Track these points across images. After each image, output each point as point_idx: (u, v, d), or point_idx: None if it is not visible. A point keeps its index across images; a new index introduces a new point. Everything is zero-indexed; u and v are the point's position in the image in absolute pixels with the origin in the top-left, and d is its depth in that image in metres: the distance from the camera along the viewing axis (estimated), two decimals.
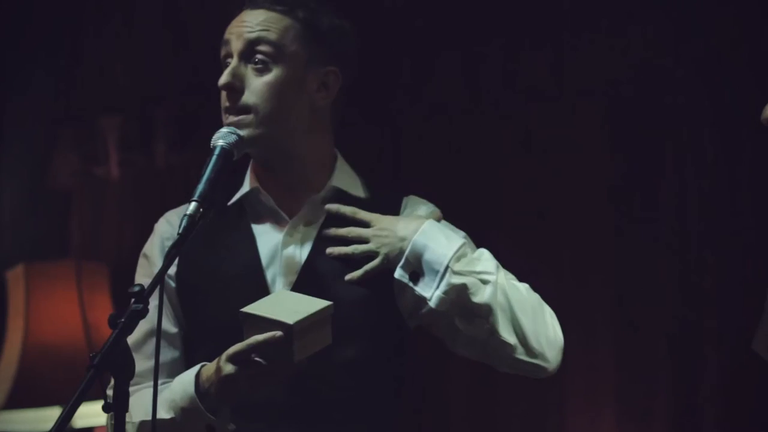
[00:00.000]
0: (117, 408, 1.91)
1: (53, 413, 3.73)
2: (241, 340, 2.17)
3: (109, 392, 1.99)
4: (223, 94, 2.32)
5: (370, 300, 2.35)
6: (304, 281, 2.35)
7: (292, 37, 2.34)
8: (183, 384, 2.21)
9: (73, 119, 4.27)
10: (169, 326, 2.35)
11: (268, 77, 2.32)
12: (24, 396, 3.85)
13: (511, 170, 3.80)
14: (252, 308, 2.18)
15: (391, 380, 2.39)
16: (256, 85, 2.31)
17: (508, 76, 3.80)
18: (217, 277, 2.32)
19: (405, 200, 2.49)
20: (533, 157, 3.79)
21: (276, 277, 2.36)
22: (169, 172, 4.06)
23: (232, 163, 2.24)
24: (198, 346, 2.32)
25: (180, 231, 2.07)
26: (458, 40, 3.82)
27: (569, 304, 3.70)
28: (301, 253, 2.36)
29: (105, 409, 1.92)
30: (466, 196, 3.82)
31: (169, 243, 2.34)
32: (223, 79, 2.31)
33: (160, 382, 2.22)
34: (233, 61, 2.32)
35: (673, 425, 3.54)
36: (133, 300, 1.95)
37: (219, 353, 2.20)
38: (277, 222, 2.38)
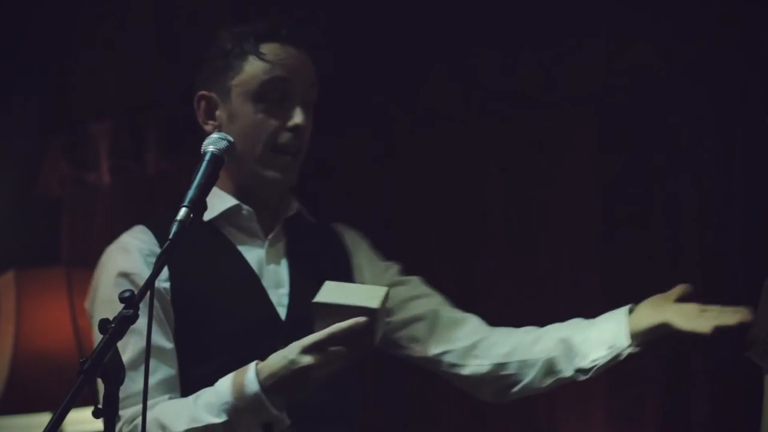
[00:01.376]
0: (107, 414, 1.91)
1: (44, 419, 3.73)
2: (254, 351, 2.21)
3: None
4: (286, 134, 2.38)
5: None
6: (296, 294, 2.41)
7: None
8: (238, 384, 2.23)
9: (64, 126, 4.27)
10: (164, 342, 2.37)
11: (309, 120, 2.49)
12: (15, 402, 3.84)
13: (504, 177, 3.81)
14: (324, 298, 2.21)
15: (356, 384, 2.50)
16: (305, 129, 2.45)
17: (502, 82, 3.80)
18: (217, 292, 2.34)
19: (337, 227, 2.65)
20: (527, 164, 3.79)
21: (267, 290, 2.42)
22: (160, 178, 4.06)
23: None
24: (199, 362, 2.33)
25: (171, 237, 2.07)
26: (451, 46, 3.83)
27: (562, 308, 3.71)
28: (281, 268, 2.44)
29: (95, 414, 1.92)
30: (458, 203, 3.83)
31: (152, 259, 2.36)
32: (299, 119, 2.38)
33: (158, 399, 2.24)
34: (299, 103, 2.39)
35: (662, 431, 3.55)
36: (123, 306, 1.95)
37: (232, 366, 2.23)
38: (253, 237, 2.43)
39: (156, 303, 2.33)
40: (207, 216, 2.42)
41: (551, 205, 3.76)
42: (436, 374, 3.76)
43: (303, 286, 2.44)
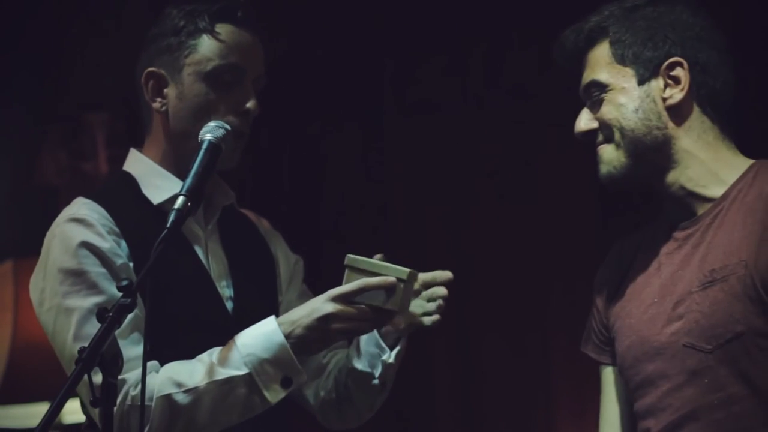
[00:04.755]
0: (105, 402, 1.91)
1: (42, 409, 3.73)
2: (201, 340, 2.22)
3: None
4: (234, 119, 2.37)
5: (274, 291, 2.53)
6: (239, 283, 2.41)
7: None
8: (261, 336, 2.23)
9: (61, 116, 4.26)
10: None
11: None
12: (13, 392, 3.85)
13: (494, 169, 3.81)
14: (355, 259, 2.25)
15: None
16: (254, 113, 2.44)
17: (494, 74, 3.80)
18: (169, 281, 2.30)
19: (247, 213, 2.64)
20: (520, 157, 3.79)
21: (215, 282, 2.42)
22: None
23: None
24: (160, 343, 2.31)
25: (169, 225, 2.07)
26: (443, 39, 3.82)
27: (557, 301, 3.72)
28: (220, 257, 2.43)
29: (93, 403, 1.92)
30: (449, 197, 3.83)
31: (113, 236, 2.32)
32: (252, 105, 2.37)
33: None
34: (252, 88, 2.38)
35: None
36: (121, 294, 1.95)
37: (177, 354, 2.23)
38: (193, 225, 2.41)
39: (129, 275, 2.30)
40: (156, 199, 2.41)
41: (547, 197, 3.76)
42: (435, 374, 3.78)
43: (241, 276, 2.44)
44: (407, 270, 2.23)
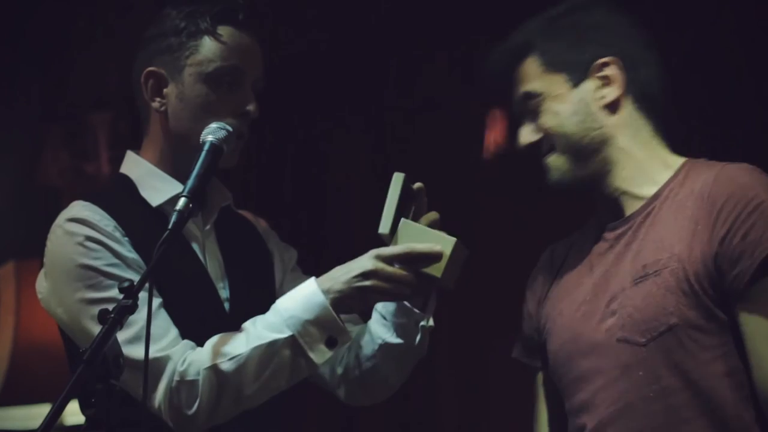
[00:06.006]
0: (105, 402, 1.90)
1: (44, 410, 3.73)
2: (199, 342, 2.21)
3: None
4: (237, 119, 2.37)
5: (272, 291, 2.49)
6: (236, 283, 2.41)
7: None
8: (301, 298, 2.24)
9: (63, 116, 4.27)
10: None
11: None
12: (15, 393, 3.85)
13: (498, 166, 3.80)
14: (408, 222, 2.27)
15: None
16: (254, 116, 2.42)
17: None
18: (168, 282, 2.29)
19: (248, 216, 2.63)
20: (524, 156, 3.78)
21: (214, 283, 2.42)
22: None
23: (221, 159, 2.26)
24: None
25: (170, 226, 2.06)
26: (447, 35, 3.82)
27: None
28: (217, 257, 2.43)
29: (92, 404, 1.92)
30: (453, 193, 3.82)
31: (117, 234, 2.32)
32: (252, 107, 2.38)
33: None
34: (251, 90, 2.39)
35: None
36: (122, 296, 1.95)
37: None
38: (191, 226, 2.41)
39: (137, 274, 2.30)
40: (155, 201, 2.40)
41: (552, 196, 3.75)
42: (436, 369, 3.77)
43: (239, 276, 2.44)
44: (453, 240, 2.23)
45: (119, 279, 2.17)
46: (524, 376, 3.72)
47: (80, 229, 2.32)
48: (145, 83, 2.44)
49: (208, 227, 2.45)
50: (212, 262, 2.44)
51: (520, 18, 3.38)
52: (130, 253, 2.30)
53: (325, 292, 2.22)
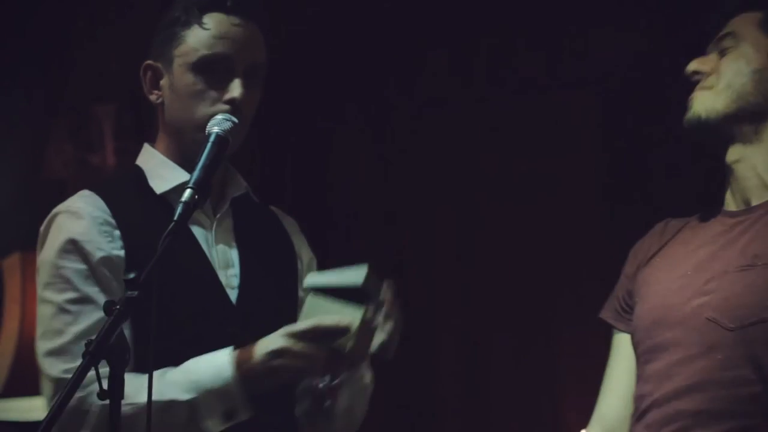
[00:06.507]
0: (112, 395, 1.90)
1: None
2: (202, 343, 2.20)
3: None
4: (222, 106, 2.36)
5: (292, 288, 2.47)
6: (246, 275, 2.40)
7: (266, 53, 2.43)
8: (211, 365, 2.22)
9: (68, 108, 4.26)
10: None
11: (255, 94, 2.44)
12: (20, 384, 3.85)
13: (500, 163, 3.80)
14: (314, 280, 2.23)
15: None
16: (250, 103, 2.40)
17: (500, 69, 3.79)
18: (168, 271, 2.29)
19: (275, 209, 2.61)
20: (525, 151, 3.79)
21: (217, 271, 2.41)
22: None
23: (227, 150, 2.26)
24: (146, 340, 2.29)
25: (176, 218, 2.06)
26: (450, 33, 3.82)
27: (562, 294, 3.71)
28: (229, 247, 2.42)
29: (100, 396, 1.92)
30: (457, 190, 3.82)
31: (106, 227, 2.33)
32: (236, 93, 2.36)
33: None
34: (240, 77, 2.37)
35: None
36: (127, 288, 1.94)
37: (179, 347, 2.22)
38: (202, 215, 2.41)
39: (106, 272, 2.31)
40: (159, 189, 2.41)
41: (551, 190, 3.75)
42: (438, 369, 3.77)
43: (252, 267, 2.43)
44: (362, 311, 2.18)
45: (74, 287, 2.27)
46: (524, 375, 3.74)
47: (65, 225, 2.36)
48: (144, 76, 2.46)
49: (220, 215, 2.44)
50: (222, 250, 2.43)
51: (521, 14, 3.37)
52: (101, 253, 2.32)
53: (237, 367, 2.20)
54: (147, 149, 2.51)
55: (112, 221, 2.34)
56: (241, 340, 2.28)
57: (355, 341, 2.18)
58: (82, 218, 2.35)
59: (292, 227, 2.62)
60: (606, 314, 2.47)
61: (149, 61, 2.45)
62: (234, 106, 2.38)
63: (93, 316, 2.26)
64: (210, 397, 2.20)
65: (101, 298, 2.21)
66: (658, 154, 3.61)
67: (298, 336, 2.20)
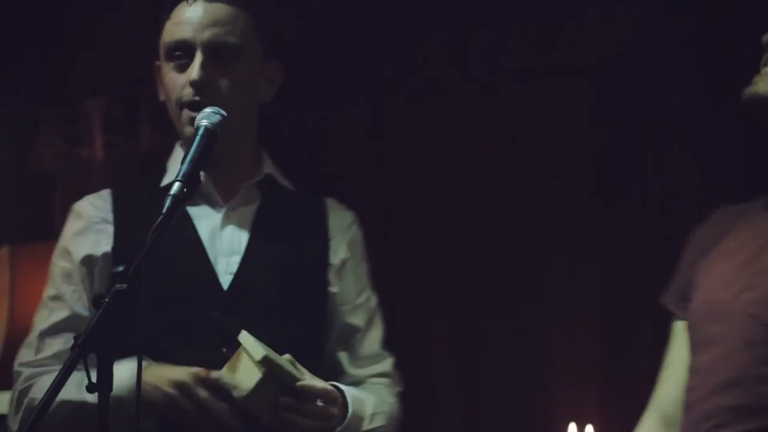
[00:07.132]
0: (101, 388, 1.91)
1: None
2: (187, 327, 2.21)
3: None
4: (188, 89, 2.37)
5: (307, 283, 2.46)
6: (250, 262, 2.40)
7: (251, 34, 2.43)
8: (119, 371, 2.19)
9: (57, 100, 4.25)
10: (82, 310, 2.38)
11: (234, 75, 2.42)
12: (9, 377, 3.84)
13: (496, 150, 3.80)
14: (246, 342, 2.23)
15: (320, 359, 2.50)
16: (225, 83, 2.39)
17: (493, 54, 3.79)
18: (159, 258, 2.30)
19: (327, 202, 2.63)
20: (518, 137, 3.78)
21: (217, 257, 2.41)
22: (153, 153, 4.05)
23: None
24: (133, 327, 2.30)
25: (164, 211, 2.07)
26: (443, 18, 3.81)
27: (555, 283, 3.71)
28: (240, 234, 2.43)
29: (89, 389, 1.92)
30: (450, 176, 3.82)
31: (100, 225, 2.39)
32: (195, 75, 2.37)
33: (55, 368, 2.25)
34: (199, 57, 2.38)
35: None
36: (116, 280, 1.95)
37: (166, 334, 2.23)
38: (212, 205, 2.44)
39: (85, 270, 2.35)
40: (163, 182, 2.45)
41: (544, 177, 3.75)
42: (435, 364, 3.76)
43: (261, 254, 2.43)
44: (259, 376, 2.19)
45: (54, 284, 2.45)
46: (521, 376, 3.73)
47: (69, 225, 2.51)
48: (155, 77, 2.53)
49: (232, 201, 2.46)
50: (229, 238, 2.43)
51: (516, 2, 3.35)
52: (81, 253, 2.38)
53: (139, 378, 2.16)
54: (176, 147, 2.60)
55: (109, 218, 2.39)
56: (226, 327, 2.28)
57: (249, 402, 2.21)
58: (80, 218, 2.47)
59: (341, 221, 2.61)
60: (666, 300, 2.48)
61: (156, 62, 2.52)
62: (196, 88, 2.40)
63: (60, 314, 2.32)
64: (112, 402, 2.20)
65: (73, 298, 2.26)
66: (653, 143, 3.61)
67: (200, 381, 2.21)
